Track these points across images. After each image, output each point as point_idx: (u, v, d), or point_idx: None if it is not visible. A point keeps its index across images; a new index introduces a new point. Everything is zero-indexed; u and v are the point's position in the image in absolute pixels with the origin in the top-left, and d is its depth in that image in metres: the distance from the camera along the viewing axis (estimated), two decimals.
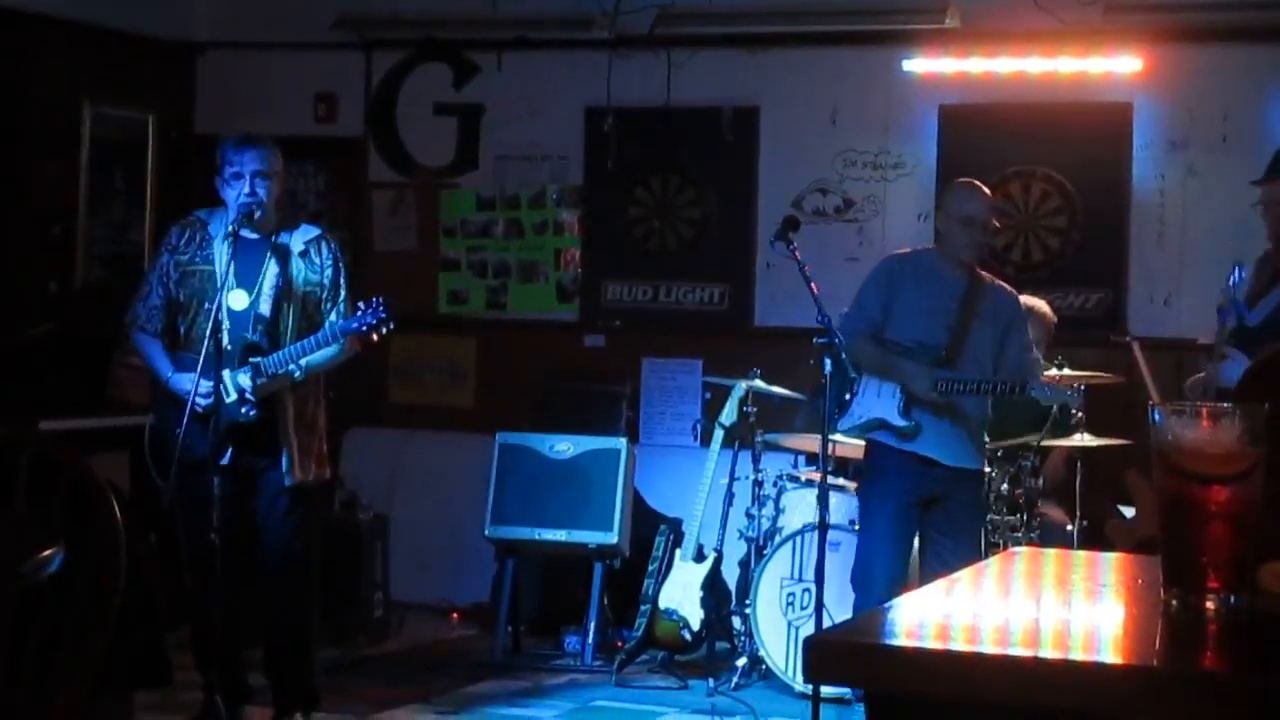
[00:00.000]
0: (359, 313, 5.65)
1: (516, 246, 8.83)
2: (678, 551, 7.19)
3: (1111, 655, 1.96)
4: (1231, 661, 1.94)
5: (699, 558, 7.16)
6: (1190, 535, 2.04)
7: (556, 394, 8.39)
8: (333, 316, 5.74)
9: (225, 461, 5.59)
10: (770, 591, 6.85)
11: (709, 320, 8.51)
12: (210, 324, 5.46)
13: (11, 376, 7.05)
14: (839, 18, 8.17)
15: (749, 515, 7.15)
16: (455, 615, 8.22)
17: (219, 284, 5.60)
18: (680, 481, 7.64)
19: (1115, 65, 7.79)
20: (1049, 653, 1.88)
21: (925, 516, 6.19)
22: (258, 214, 5.63)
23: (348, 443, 8.39)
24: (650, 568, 7.21)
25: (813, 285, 5.85)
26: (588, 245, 8.72)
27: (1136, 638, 2.04)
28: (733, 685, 6.83)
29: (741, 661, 6.96)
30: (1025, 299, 6.86)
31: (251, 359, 5.62)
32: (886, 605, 2.12)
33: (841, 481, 6.85)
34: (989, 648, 1.92)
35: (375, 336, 5.70)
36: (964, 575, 2.44)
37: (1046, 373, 6.43)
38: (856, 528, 6.51)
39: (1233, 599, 2.02)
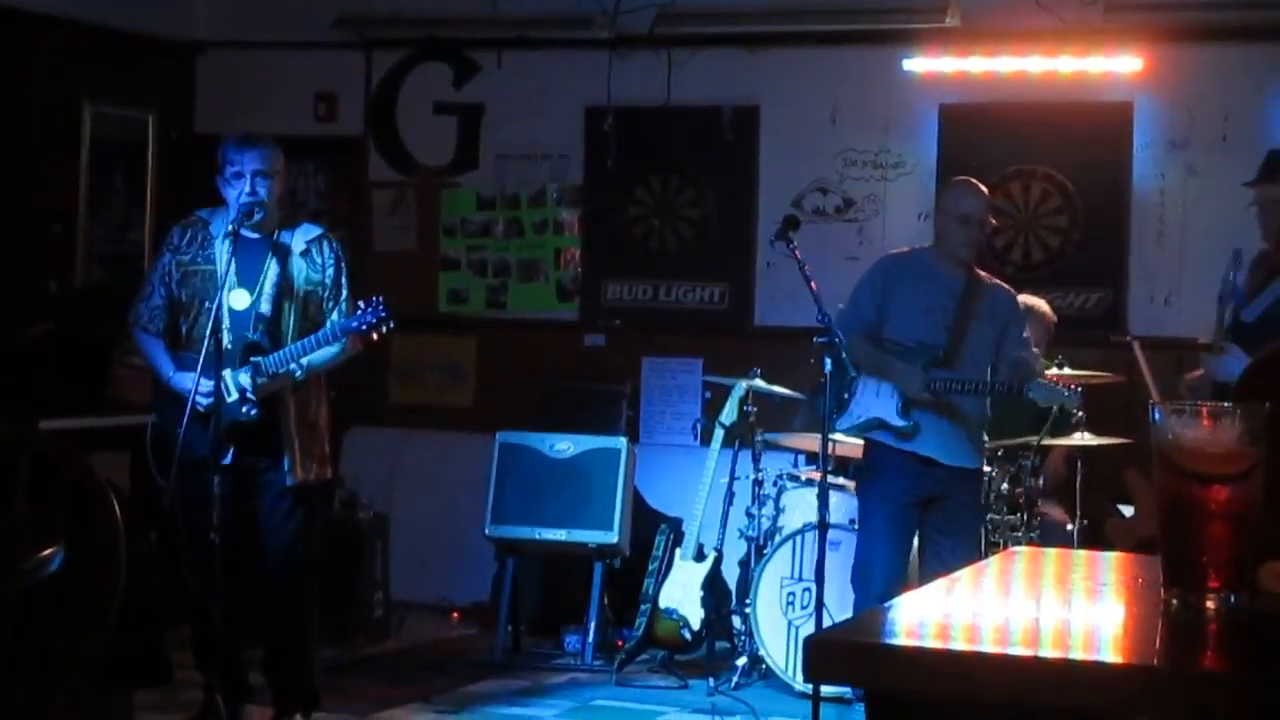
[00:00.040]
0: (359, 312, 5.65)
1: (516, 246, 8.83)
2: (678, 551, 7.19)
3: (1112, 655, 1.96)
4: (1232, 661, 1.94)
5: (699, 557, 7.15)
6: (1190, 535, 2.04)
7: (556, 393, 8.39)
8: (334, 316, 5.74)
9: (227, 461, 5.59)
10: (770, 591, 6.85)
11: (709, 319, 8.50)
12: (211, 323, 5.46)
13: (11, 376, 7.05)
14: (839, 17, 8.17)
15: (749, 514, 7.15)
16: (455, 615, 8.22)
17: (220, 283, 5.60)
18: (680, 481, 7.64)
19: (1115, 65, 7.79)
20: (1049, 652, 1.88)
21: (924, 516, 6.19)
22: (258, 213, 5.63)
23: (348, 442, 8.38)
24: (650, 567, 7.21)
25: (813, 284, 5.85)
26: (588, 244, 8.72)
27: (1137, 637, 2.04)
28: (733, 685, 6.83)
29: (742, 661, 6.96)
30: (1025, 298, 6.87)
31: (252, 358, 5.62)
32: (886, 605, 2.13)
33: (841, 481, 6.85)
34: (989, 647, 1.92)
35: (375, 335, 5.70)
36: (964, 575, 2.45)
37: (1047, 372, 6.43)
38: (856, 527, 6.51)
39: (1233, 599, 2.02)
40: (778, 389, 7.24)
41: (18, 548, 2.76)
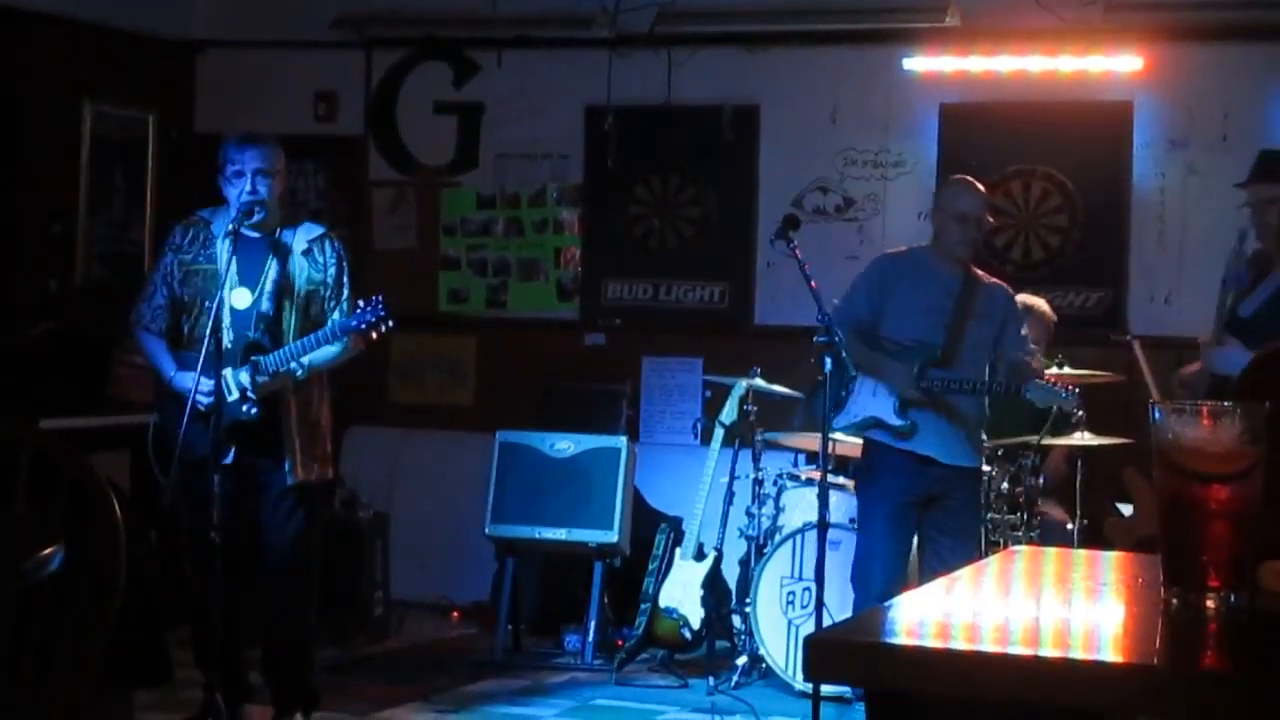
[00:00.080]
0: (358, 311, 5.65)
1: (517, 245, 8.83)
2: (678, 550, 7.18)
3: (1112, 654, 1.96)
4: (1232, 660, 1.94)
5: (699, 556, 7.15)
6: (1190, 534, 2.04)
7: (557, 392, 8.39)
8: (336, 315, 5.73)
9: (228, 461, 5.59)
10: (770, 590, 6.85)
11: (709, 319, 8.50)
12: (211, 322, 5.46)
13: (11, 376, 7.05)
14: (839, 16, 8.17)
15: (749, 514, 7.15)
16: (455, 614, 8.22)
17: (221, 282, 5.59)
18: (680, 480, 7.64)
19: (1115, 64, 7.79)
20: (1049, 652, 1.88)
21: (924, 515, 6.19)
22: (258, 212, 5.62)
23: (348, 442, 8.38)
24: (650, 566, 7.20)
25: (813, 284, 5.84)
26: (588, 244, 8.72)
27: (1137, 637, 2.04)
28: (733, 684, 6.83)
29: (742, 660, 6.96)
30: (1025, 298, 6.87)
31: (252, 357, 5.62)
32: (886, 604, 2.12)
33: (841, 480, 6.85)
34: (989, 647, 1.92)
35: (375, 335, 5.69)
36: (964, 574, 2.45)
37: (1047, 371, 6.42)
38: (856, 527, 6.50)
39: (1233, 598, 2.02)
40: (778, 388, 7.24)
41: (18, 548, 2.76)
